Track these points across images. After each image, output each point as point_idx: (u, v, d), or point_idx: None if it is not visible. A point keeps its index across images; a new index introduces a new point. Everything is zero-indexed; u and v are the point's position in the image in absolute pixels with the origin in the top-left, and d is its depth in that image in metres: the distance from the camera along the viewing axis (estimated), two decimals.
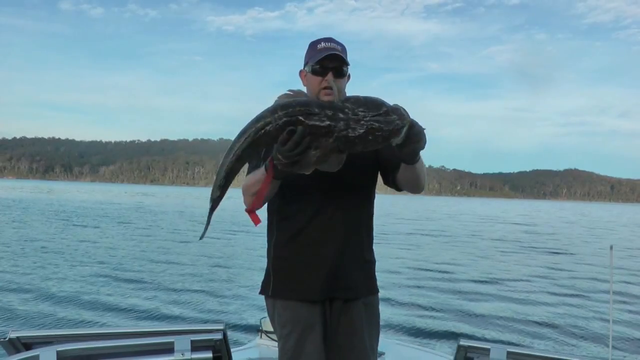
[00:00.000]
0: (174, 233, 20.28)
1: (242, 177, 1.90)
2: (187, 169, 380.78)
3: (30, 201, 43.14)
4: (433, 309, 8.52)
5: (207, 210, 1.73)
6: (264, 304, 2.05)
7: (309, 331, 1.88)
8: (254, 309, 7.76)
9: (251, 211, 1.77)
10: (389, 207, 55.22)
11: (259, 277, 2.07)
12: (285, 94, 1.74)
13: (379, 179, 2.04)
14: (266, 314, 2.15)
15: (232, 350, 2.08)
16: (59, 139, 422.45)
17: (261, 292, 2.02)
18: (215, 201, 1.70)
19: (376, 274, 2.06)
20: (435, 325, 7.53)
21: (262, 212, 1.85)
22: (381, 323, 2.07)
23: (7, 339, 1.93)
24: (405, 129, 1.53)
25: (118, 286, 9.54)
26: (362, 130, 1.52)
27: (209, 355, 1.92)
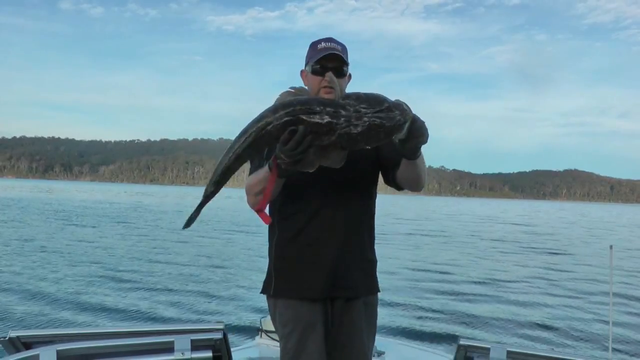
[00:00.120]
0: (174, 233, 20.27)
1: (243, 177, 1.90)
2: (187, 169, 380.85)
3: (30, 200, 43.15)
4: (433, 309, 8.51)
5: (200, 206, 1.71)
6: (264, 303, 2.05)
7: (311, 330, 1.88)
8: (254, 308, 7.77)
9: (260, 210, 1.78)
10: (388, 207, 55.16)
11: (259, 277, 2.07)
12: (287, 92, 1.74)
13: (380, 178, 2.04)
14: (266, 314, 2.15)
15: (232, 349, 2.08)
16: (59, 138, 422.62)
17: (263, 292, 2.02)
18: (207, 196, 1.70)
19: (376, 274, 2.06)
20: (435, 325, 7.53)
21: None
22: (381, 323, 2.07)
23: (7, 338, 1.93)
24: (407, 125, 1.53)
25: (118, 286, 9.53)
26: (364, 127, 1.51)
27: (209, 354, 1.92)
